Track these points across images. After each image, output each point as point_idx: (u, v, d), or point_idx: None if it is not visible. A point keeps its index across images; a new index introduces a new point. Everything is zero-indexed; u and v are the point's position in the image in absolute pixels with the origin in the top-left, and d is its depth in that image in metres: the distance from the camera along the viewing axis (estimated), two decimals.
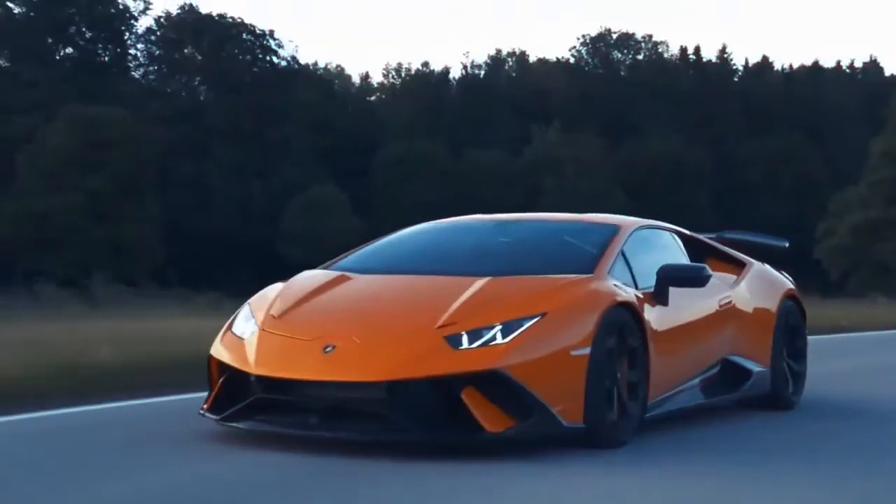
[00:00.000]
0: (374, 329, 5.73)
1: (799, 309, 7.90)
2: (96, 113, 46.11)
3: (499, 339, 5.55)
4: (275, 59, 58.27)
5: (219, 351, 5.97)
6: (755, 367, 7.31)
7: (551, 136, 57.30)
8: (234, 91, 55.81)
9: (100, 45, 56.56)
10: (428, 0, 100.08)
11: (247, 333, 5.91)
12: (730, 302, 7.23)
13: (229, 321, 6.17)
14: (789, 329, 7.73)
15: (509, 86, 66.00)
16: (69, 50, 56.03)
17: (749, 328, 7.35)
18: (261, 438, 5.63)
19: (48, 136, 46.06)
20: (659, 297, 6.44)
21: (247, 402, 5.69)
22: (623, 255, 6.53)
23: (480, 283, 6.02)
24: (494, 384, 5.46)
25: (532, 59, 70.35)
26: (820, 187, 57.60)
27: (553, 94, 63.76)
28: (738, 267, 7.69)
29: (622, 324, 5.96)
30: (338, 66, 73.21)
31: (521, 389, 5.46)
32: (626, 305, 6.03)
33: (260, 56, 58.19)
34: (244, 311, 6.16)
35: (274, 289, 6.38)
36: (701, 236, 7.77)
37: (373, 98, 69.74)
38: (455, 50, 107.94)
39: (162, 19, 58.10)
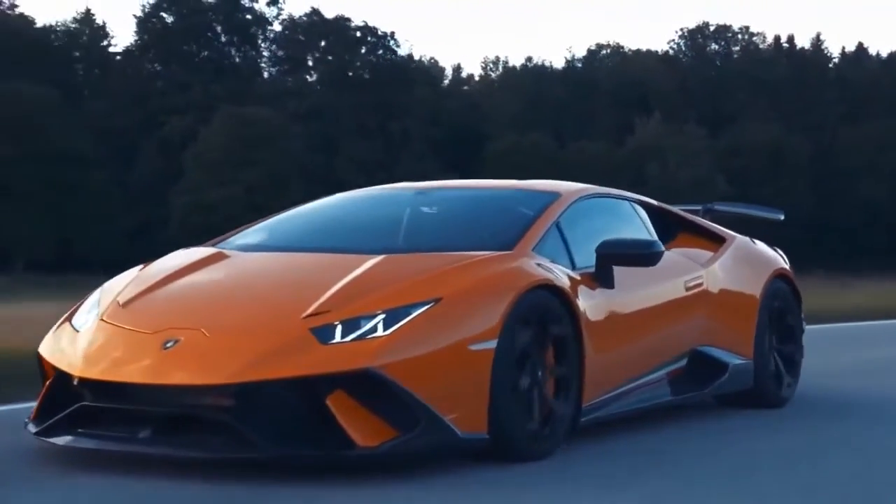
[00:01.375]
0: (228, 319, 4.54)
1: (791, 291, 6.60)
2: (248, 113, 50.85)
3: (379, 332, 4.38)
4: (393, 57, 61.65)
5: (48, 347, 4.81)
6: (733, 360, 6.03)
7: (653, 127, 57.94)
8: (358, 89, 58.69)
9: (234, 49, 61.41)
10: None
11: (86, 325, 4.80)
12: (700, 283, 5.96)
13: (71, 310, 5.01)
14: (778, 314, 6.43)
15: (609, 78, 66.24)
16: (205, 53, 60.41)
17: (725, 314, 6.07)
18: (106, 457, 4.55)
19: (208, 135, 50.66)
20: (600, 278, 5.27)
21: (68, 411, 4.52)
22: (559, 228, 5.31)
23: (371, 262, 4.83)
24: (368, 387, 4.26)
25: (629, 51, 70.80)
26: None
27: (651, 86, 64.07)
28: (717, 243, 6.41)
29: (543, 310, 4.77)
30: (431, 58, 74.86)
31: (402, 393, 4.26)
32: (548, 288, 4.82)
33: (381, 54, 61.46)
34: (92, 297, 5.00)
35: (135, 270, 5.26)
36: (674, 208, 6.61)
37: (465, 88, 71.15)
38: (552, 43, 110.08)
39: (287, 23, 62.07)
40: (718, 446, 5.31)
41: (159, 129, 54.94)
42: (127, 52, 61.30)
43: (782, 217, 7.29)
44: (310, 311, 4.48)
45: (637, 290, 5.46)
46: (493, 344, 4.51)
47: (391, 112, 58.45)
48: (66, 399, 4.57)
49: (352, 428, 4.25)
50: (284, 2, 69.43)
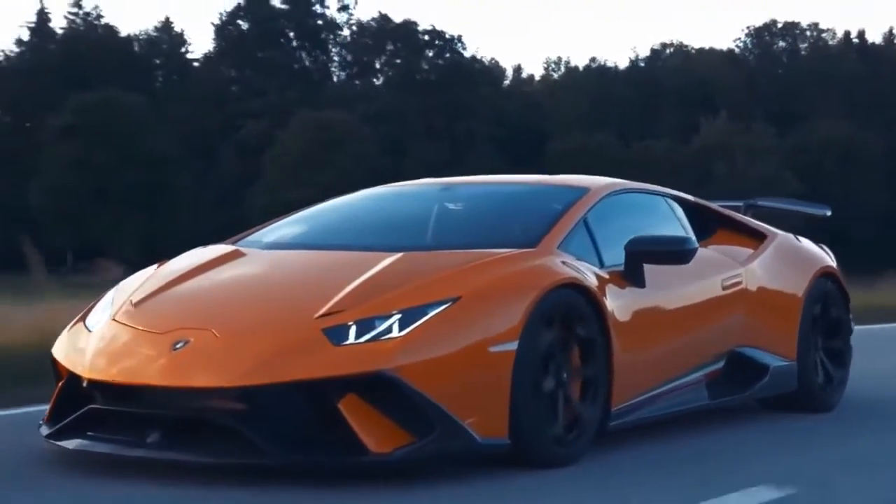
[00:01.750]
0: (239, 319, 4.38)
1: (838, 290, 6.29)
2: (323, 116, 52.95)
3: (395, 332, 4.19)
4: (460, 59, 63.53)
5: (61, 348, 4.68)
6: (774, 361, 5.76)
7: (719, 125, 57.81)
8: (425, 91, 60.43)
9: (305, 53, 64.51)
10: None
11: (98, 325, 4.64)
12: (738, 282, 5.71)
13: (86, 310, 4.87)
14: (823, 314, 6.15)
15: (673, 77, 66.27)
16: (279, 58, 62.92)
17: (766, 313, 5.79)
18: (115, 460, 4.35)
19: (286, 138, 52.91)
20: (630, 276, 5.04)
21: (77, 414, 4.38)
22: (586, 224, 5.09)
23: (388, 260, 4.64)
24: (382, 390, 4.07)
25: (692, 50, 70.89)
26: None
27: (715, 84, 63.99)
28: (757, 240, 6.14)
29: (568, 310, 4.55)
30: (492, 59, 76.83)
31: (417, 396, 4.07)
32: (574, 286, 4.61)
33: (447, 56, 63.56)
34: (107, 297, 4.85)
35: (150, 269, 5.11)
36: (713, 204, 6.37)
37: (527, 89, 71.78)
38: (615, 43, 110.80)
39: (356, 27, 64.85)
40: (765, 451, 5.05)
41: (236, 133, 57.10)
42: (206, 58, 64.13)
43: (829, 213, 7.02)
44: (323, 310, 4.30)
45: (670, 289, 5.23)
46: (514, 345, 4.31)
47: (457, 113, 59.61)
48: (77, 401, 4.44)
49: (364, 433, 4.07)
50: (355, 7, 71.85)
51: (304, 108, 54.62)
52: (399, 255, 4.72)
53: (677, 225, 5.72)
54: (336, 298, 4.37)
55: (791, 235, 6.38)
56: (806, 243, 6.46)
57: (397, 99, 60.90)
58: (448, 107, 59.78)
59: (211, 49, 64.29)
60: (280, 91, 59.25)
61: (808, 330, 6.02)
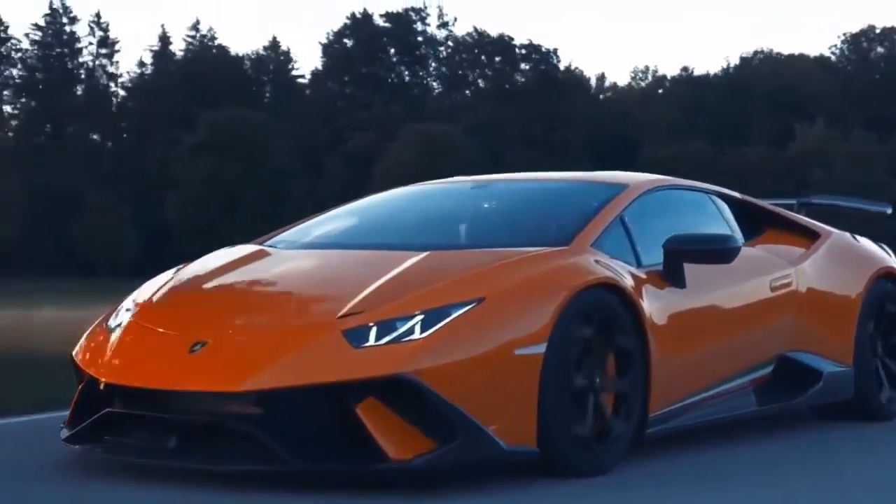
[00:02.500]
0: (258, 320, 4.22)
1: None
2: (429, 129, 55.68)
3: (416, 334, 4.00)
4: (555, 72, 66.10)
5: (81, 350, 4.53)
6: (828, 367, 5.48)
7: (816, 131, 57.53)
8: (520, 102, 62.69)
9: (405, 68, 67.80)
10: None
11: (118, 327, 4.48)
12: (788, 283, 5.44)
13: (108, 311, 4.72)
14: (884, 316, 5.83)
15: (764, 84, 66.10)
16: (382, 73, 66.98)
17: (819, 316, 5.51)
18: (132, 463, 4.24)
19: (396, 150, 55.41)
20: (670, 276, 4.81)
21: (94, 417, 4.23)
22: (623, 222, 4.85)
23: (413, 259, 4.44)
24: (402, 394, 3.88)
25: (781, 56, 70.75)
26: None
27: (807, 90, 63.57)
28: (810, 239, 5.86)
29: (601, 312, 4.33)
30: (576, 68, 78.39)
31: (439, 401, 3.86)
32: (607, 287, 4.39)
33: (542, 69, 66.03)
34: (129, 298, 4.70)
35: (173, 270, 4.94)
36: (763, 202, 6.11)
37: (608, 95, 72.71)
38: (703, 51, 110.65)
39: (454, 42, 67.90)
40: (818, 465, 4.75)
41: (343, 145, 59.93)
42: (314, 74, 68.16)
43: (889, 210, 6.72)
44: (344, 311, 4.12)
45: (712, 290, 4.98)
46: (541, 348, 4.09)
47: (552, 122, 61.47)
48: (96, 405, 4.29)
49: (384, 439, 3.88)
50: (454, 24, 74.61)
51: (407, 120, 56.97)
52: (424, 254, 4.52)
53: (722, 223, 5.47)
54: (357, 299, 4.19)
55: (847, 234, 6.08)
56: (864, 242, 6.16)
57: (494, 110, 62.31)
58: (544, 116, 61.33)
59: (318, 66, 68.18)
60: (384, 105, 62.12)
61: (865, 333, 5.73)
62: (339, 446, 3.94)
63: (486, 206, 5.29)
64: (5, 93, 63.80)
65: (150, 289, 4.74)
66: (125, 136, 65.92)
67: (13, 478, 4.26)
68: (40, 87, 65.51)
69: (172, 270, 4.95)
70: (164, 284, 4.72)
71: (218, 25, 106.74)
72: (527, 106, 61.86)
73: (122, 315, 4.60)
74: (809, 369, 5.45)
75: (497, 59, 66.55)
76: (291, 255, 4.88)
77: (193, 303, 4.52)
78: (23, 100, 66.50)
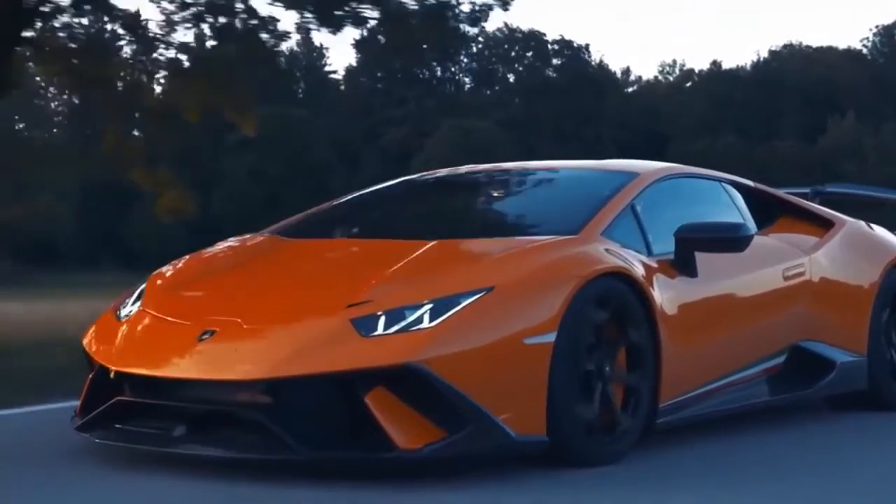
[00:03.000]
0: (267, 309, 4.20)
1: None
2: (467, 124, 56.48)
3: (425, 323, 3.96)
4: (586, 68, 66.64)
5: (91, 339, 4.53)
6: (842, 356, 5.44)
7: (847, 125, 57.31)
8: (552, 98, 62.67)
9: (437, 64, 67.94)
10: None
11: (128, 315, 4.48)
12: (801, 272, 5.40)
13: (118, 300, 4.71)
14: None
15: (794, 77, 65.74)
16: (416, 70, 67.17)
17: (832, 305, 5.46)
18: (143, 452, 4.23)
19: (433, 145, 56.06)
20: (681, 265, 4.78)
21: (104, 406, 4.22)
22: (634, 210, 4.82)
23: (423, 248, 4.40)
24: (411, 383, 3.85)
25: (811, 49, 70.31)
26: None
27: (838, 84, 63.18)
28: (824, 227, 5.81)
29: (610, 301, 4.29)
30: (605, 62, 78.63)
31: (448, 390, 3.84)
32: (617, 276, 4.35)
33: (574, 66, 66.57)
34: (139, 287, 4.70)
35: (184, 258, 4.93)
36: (777, 190, 6.06)
37: (632, 89, 72.74)
38: (730, 45, 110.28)
39: (486, 38, 67.55)
40: (828, 456, 4.71)
41: (378, 140, 60.76)
42: (349, 70, 69.56)
43: None
44: (352, 300, 4.11)
45: (724, 279, 4.94)
46: (551, 337, 4.06)
47: (584, 118, 61.72)
48: (106, 393, 4.28)
49: (392, 428, 3.85)
50: (487, 21, 75.66)
51: (441, 116, 57.84)
52: (433, 243, 4.50)
53: (734, 212, 5.42)
54: (366, 288, 4.19)
55: (862, 223, 6.03)
56: (879, 231, 6.12)
57: (527, 106, 62.76)
58: (576, 112, 61.67)
59: (352, 63, 69.17)
60: (418, 100, 62.99)
61: (880, 323, 5.69)
62: (347, 435, 3.92)
63: (495, 195, 5.27)
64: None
65: (159, 278, 4.74)
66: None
67: (25, 465, 4.27)
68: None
69: (181, 260, 4.94)
70: (174, 274, 4.71)
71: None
72: (558, 101, 62.18)
73: (132, 304, 4.60)
74: (822, 359, 5.41)
75: (528, 54, 67.32)
76: (302, 245, 4.86)
77: (203, 292, 4.51)
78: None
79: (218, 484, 3.93)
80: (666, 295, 4.57)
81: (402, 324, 3.99)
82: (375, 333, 3.98)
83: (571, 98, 61.86)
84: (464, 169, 5.78)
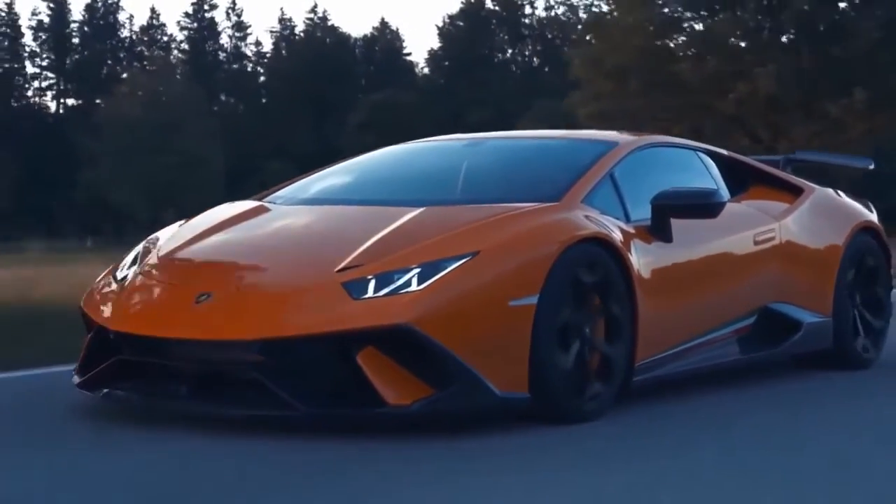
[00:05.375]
0: (261, 273, 4.38)
1: (879, 244, 6.12)
2: (552, 105, 55.55)
3: (413, 286, 4.16)
4: None
5: (89, 300, 4.70)
6: (808, 317, 5.63)
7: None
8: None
9: (510, 48, 71.86)
10: None
11: (125, 278, 4.65)
12: (771, 237, 5.59)
13: (116, 263, 4.88)
14: (862, 269, 5.99)
15: None
16: (491, 54, 71.28)
17: (800, 269, 5.66)
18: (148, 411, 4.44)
19: (523, 126, 58.93)
20: (657, 231, 4.96)
21: (104, 364, 4.41)
22: (612, 179, 5.00)
23: (410, 214, 4.58)
24: (401, 343, 4.05)
25: None
26: None
27: None
28: (794, 194, 5.98)
29: (590, 265, 4.48)
30: None
31: (436, 349, 4.04)
32: (597, 241, 4.54)
33: None
34: (135, 250, 4.86)
35: (178, 224, 5.11)
36: (749, 158, 6.28)
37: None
38: None
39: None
40: (795, 413, 4.89)
41: (462, 120, 62.09)
42: (431, 54, 72.70)
43: (872, 165, 6.89)
44: (343, 264, 4.27)
45: (699, 244, 5.14)
46: (534, 299, 4.25)
47: None
48: (106, 352, 4.47)
49: (383, 385, 4.04)
50: (557, 6, 77.50)
51: (520, 97, 60.02)
52: (421, 209, 4.68)
53: (709, 179, 5.59)
54: (356, 252, 4.34)
55: (830, 190, 6.25)
56: (846, 198, 6.34)
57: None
58: None
59: (434, 48, 72.25)
60: (500, 83, 65.94)
61: (844, 286, 5.90)
62: (340, 393, 4.11)
63: (478, 163, 5.44)
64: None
65: (155, 242, 4.90)
66: (268, 113, 68.70)
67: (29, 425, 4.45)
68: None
69: (176, 224, 5.10)
70: (169, 238, 4.87)
71: (331, 8, 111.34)
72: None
73: (129, 268, 4.77)
74: (790, 320, 5.61)
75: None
76: (291, 211, 5.02)
77: (199, 256, 4.66)
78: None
79: (217, 440, 4.10)
80: (643, 260, 4.77)
81: (392, 287, 4.17)
82: (366, 296, 4.16)
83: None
84: (450, 137, 5.95)
